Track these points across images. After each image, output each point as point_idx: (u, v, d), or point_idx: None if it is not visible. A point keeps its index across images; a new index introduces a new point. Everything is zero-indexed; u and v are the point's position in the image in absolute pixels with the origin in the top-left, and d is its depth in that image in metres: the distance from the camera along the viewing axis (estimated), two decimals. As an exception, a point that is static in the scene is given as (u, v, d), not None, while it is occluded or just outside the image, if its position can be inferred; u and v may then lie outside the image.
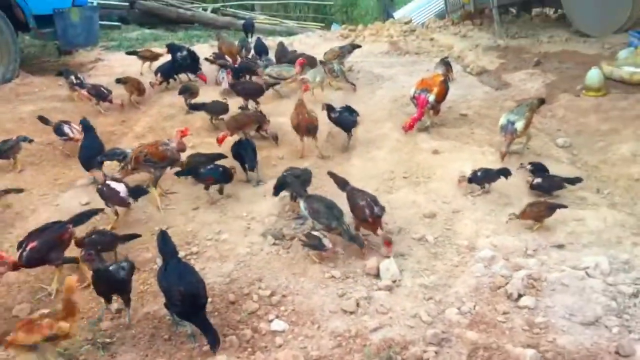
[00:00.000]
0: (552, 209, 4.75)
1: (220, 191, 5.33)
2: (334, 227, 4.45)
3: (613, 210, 5.03)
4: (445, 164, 5.84)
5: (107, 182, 4.87)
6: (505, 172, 5.34)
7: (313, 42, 10.80)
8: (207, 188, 5.26)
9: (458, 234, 4.74)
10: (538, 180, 5.31)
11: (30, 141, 6.01)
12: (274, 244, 4.63)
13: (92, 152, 5.49)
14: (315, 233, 4.40)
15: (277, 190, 5.09)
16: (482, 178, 5.32)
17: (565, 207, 4.82)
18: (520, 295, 3.89)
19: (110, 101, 7.25)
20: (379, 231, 4.43)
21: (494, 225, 4.85)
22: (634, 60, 8.41)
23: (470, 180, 5.33)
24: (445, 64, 7.03)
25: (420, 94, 6.39)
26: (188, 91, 7.19)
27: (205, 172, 5.22)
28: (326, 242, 4.33)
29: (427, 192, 5.41)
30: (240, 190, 5.46)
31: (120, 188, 4.79)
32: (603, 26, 10.42)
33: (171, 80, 8.17)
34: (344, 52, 8.63)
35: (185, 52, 8.12)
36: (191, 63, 8.12)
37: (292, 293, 4.04)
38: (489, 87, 8.38)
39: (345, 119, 6.22)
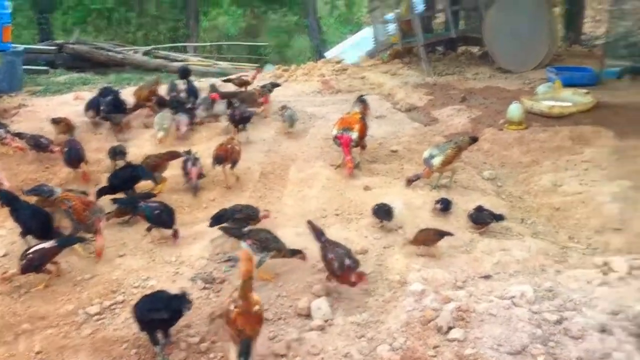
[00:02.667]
0: (440, 235, 4.91)
1: (148, 229, 5.20)
2: (282, 249, 4.54)
3: (537, 239, 5.20)
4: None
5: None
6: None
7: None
8: (148, 229, 5.24)
9: (389, 269, 4.76)
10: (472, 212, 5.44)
11: None
12: (204, 288, 4.52)
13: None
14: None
15: (215, 220, 5.05)
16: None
17: (451, 234, 4.96)
18: (450, 328, 3.91)
19: (51, 151, 6.83)
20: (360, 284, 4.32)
21: (424, 258, 4.91)
22: (552, 95, 8.88)
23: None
24: (362, 101, 7.15)
25: (343, 133, 6.46)
26: (118, 154, 6.71)
27: (143, 207, 5.14)
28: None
29: (358, 228, 5.44)
30: (169, 233, 5.32)
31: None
32: (523, 63, 10.98)
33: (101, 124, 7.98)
34: (264, 91, 8.72)
35: (110, 98, 7.95)
36: (115, 109, 7.92)
37: (222, 338, 3.93)
38: (418, 123, 8.61)
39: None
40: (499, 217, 5.31)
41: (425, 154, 6.12)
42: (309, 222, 4.73)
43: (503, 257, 4.86)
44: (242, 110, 7.67)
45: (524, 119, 7.89)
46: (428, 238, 4.94)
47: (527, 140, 7.43)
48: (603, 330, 3.80)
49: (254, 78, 9.52)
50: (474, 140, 6.47)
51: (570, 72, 9.92)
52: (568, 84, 9.16)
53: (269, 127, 8.10)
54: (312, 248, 4.88)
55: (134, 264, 4.86)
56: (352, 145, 6.49)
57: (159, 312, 3.70)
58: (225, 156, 6.18)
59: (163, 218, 5.18)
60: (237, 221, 5.10)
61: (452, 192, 6.15)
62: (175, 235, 5.16)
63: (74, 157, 6.31)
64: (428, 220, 5.52)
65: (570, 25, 14.41)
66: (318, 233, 4.62)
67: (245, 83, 9.43)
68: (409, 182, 6.01)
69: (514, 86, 10.12)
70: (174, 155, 6.35)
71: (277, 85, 9.27)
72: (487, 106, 9.04)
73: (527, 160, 6.95)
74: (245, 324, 3.44)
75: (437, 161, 5.98)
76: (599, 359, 3.59)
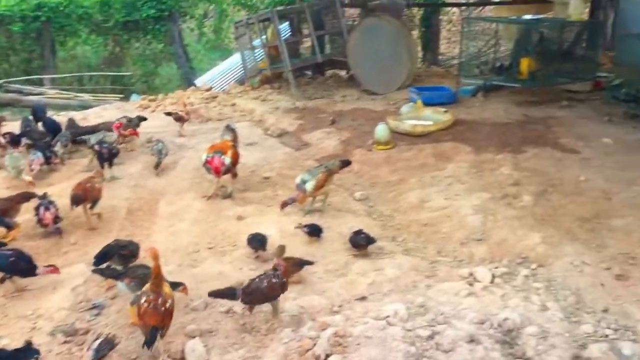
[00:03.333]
0: (300, 265, 4.90)
1: (2, 280, 4.73)
2: None
3: (408, 256, 5.36)
4: (250, 229, 5.78)
5: None
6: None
7: (110, 114, 10.33)
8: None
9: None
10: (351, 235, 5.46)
11: None
12: (65, 342, 4.15)
13: None
14: None
15: (99, 259, 4.76)
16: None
17: (311, 263, 4.98)
18: (327, 356, 3.87)
19: None
20: None
21: (300, 285, 4.87)
22: (414, 114, 9.30)
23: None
24: (231, 130, 7.06)
25: (214, 156, 6.30)
26: None
27: None
28: None
29: (232, 260, 5.30)
30: (24, 284, 4.85)
31: None
32: (386, 84, 11.43)
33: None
34: (131, 125, 8.37)
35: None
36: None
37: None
38: (290, 148, 8.64)
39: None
40: (372, 241, 5.38)
41: (298, 180, 6.14)
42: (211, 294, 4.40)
43: (377, 277, 4.95)
44: (109, 146, 7.23)
45: (390, 138, 8.18)
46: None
47: (395, 160, 7.70)
48: (471, 340, 3.94)
49: (187, 114, 9.05)
50: (345, 163, 6.58)
51: (430, 92, 10.46)
52: (428, 103, 9.65)
53: (136, 161, 7.74)
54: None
55: (-17, 322, 4.38)
56: (224, 170, 6.33)
57: None
58: (84, 195, 5.79)
59: (20, 266, 4.72)
60: (122, 258, 4.84)
61: (325, 215, 6.19)
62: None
63: None
64: (304, 247, 5.51)
65: (428, 47, 15.34)
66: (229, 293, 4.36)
67: (180, 119, 9.00)
68: (284, 205, 5.98)
69: (380, 107, 10.49)
70: (26, 196, 5.84)
71: (144, 119, 8.89)
72: (355, 128, 9.28)
73: (395, 178, 7.19)
74: (152, 319, 3.78)
75: (309, 186, 6.02)
76: (470, 369, 3.71)
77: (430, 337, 3.99)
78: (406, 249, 5.55)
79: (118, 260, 4.86)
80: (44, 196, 5.77)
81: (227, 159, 6.37)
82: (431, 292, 4.69)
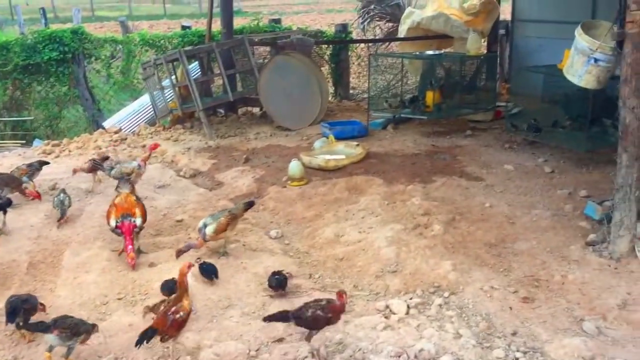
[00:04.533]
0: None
1: None
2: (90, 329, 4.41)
3: (325, 293, 5.32)
4: (162, 276, 5.58)
5: None
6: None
7: (11, 162, 9.79)
8: None
9: (179, 351, 4.49)
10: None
11: None
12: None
13: None
14: None
15: (10, 315, 4.53)
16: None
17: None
18: (245, 404, 3.77)
19: None
20: None
21: (216, 332, 4.73)
22: (327, 149, 9.43)
23: None
24: (127, 180, 6.82)
25: (123, 221, 6.02)
26: None
27: None
28: None
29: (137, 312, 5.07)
30: None
31: None
32: (299, 120, 11.55)
33: None
34: (32, 170, 7.97)
35: None
36: None
37: None
38: (203, 188, 8.49)
39: None
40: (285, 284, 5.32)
41: (200, 224, 6.02)
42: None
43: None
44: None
45: (304, 174, 8.21)
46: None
47: (309, 195, 7.73)
48: (389, 375, 3.96)
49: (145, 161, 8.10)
50: (249, 205, 6.50)
51: (342, 126, 10.66)
52: (340, 138, 9.82)
53: (37, 210, 7.33)
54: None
55: None
56: (137, 232, 6.09)
57: None
58: None
59: None
60: (25, 312, 4.58)
61: (241, 255, 6.10)
62: None
63: None
64: (219, 290, 5.39)
65: (339, 82, 15.67)
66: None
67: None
68: (179, 253, 5.75)
69: (293, 143, 10.56)
70: None
71: (46, 163, 8.48)
72: (269, 165, 9.27)
73: (311, 214, 7.20)
74: (158, 322, 4.26)
75: (209, 230, 5.89)
76: (388, 405, 3.71)
77: (348, 374, 3.98)
78: (323, 286, 5.54)
79: (22, 314, 4.58)
80: None
81: (138, 220, 6.12)
82: (349, 328, 4.68)
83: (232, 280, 5.59)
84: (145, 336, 4.19)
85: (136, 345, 4.18)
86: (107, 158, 8.69)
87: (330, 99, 14.21)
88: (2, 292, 5.38)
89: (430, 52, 11.66)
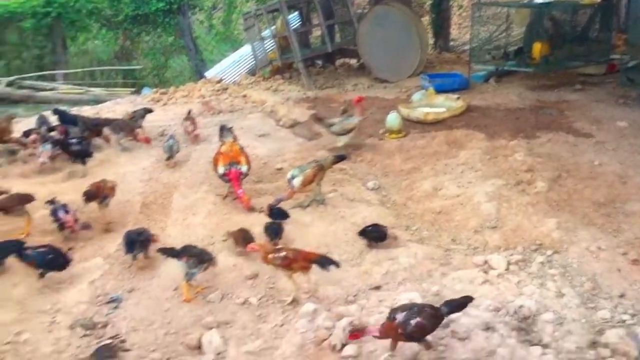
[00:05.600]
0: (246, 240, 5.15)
1: (42, 275, 4.83)
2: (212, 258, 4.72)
3: (422, 245, 5.34)
4: (262, 220, 5.80)
5: None
6: None
7: (123, 108, 10.39)
8: (41, 275, 4.84)
9: (281, 291, 4.69)
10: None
11: None
12: (85, 335, 4.21)
13: None
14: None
15: (128, 248, 4.98)
16: None
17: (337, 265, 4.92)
18: (343, 345, 3.90)
19: None
20: None
21: (315, 276, 4.86)
22: (426, 101, 9.26)
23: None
24: (228, 130, 7.01)
25: (230, 168, 6.26)
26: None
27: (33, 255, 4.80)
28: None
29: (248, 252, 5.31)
30: (44, 280, 4.91)
31: None
32: (397, 72, 11.39)
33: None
34: (136, 117, 8.41)
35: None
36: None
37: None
38: (302, 138, 8.63)
39: None
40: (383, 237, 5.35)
41: (288, 175, 6.12)
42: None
43: (391, 267, 4.95)
44: (83, 145, 7.29)
45: (402, 127, 8.15)
46: (242, 237, 5.22)
47: (407, 148, 7.67)
48: (487, 328, 3.96)
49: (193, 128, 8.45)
50: (339, 158, 6.52)
51: (442, 79, 10.41)
52: (440, 90, 9.60)
53: (148, 154, 7.77)
54: (200, 279, 4.74)
55: (4, 318, 4.42)
56: (242, 178, 6.33)
57: None
58: (97, 193, 5.83)
59: (58, 261, 4.87)
60: (142, 244, 5.04)
61: (339, 205, 6.19)
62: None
63: None
64: (317, 237, 5.52)
65: (439, 33, 15.20)
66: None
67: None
68: (270, 208, 5.87)
69: (391, 95, 10.45)
70: (24, 199, 5.84)
71: (150, 110, 8.91)
72: (367, 116, 9.24)
73: (408, 167, 7.16)
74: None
75: (297, 182, 5.99)
76: (485, 357, 3.72)
77: (446, 325, 4.00)
78: (420, 238, 5.54)
79: (139, 246, 5.03)
80: (52, 202, 5.76)
81: (244, 167, 6.35)
82: (446, 281, 4.69)
83: (330, 228, 5.69)
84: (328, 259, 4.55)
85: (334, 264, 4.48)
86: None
87: (429, 50, 13.84)
88: (120, 229, 5.80)
89: (538, 1, 11.03)
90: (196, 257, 4.60)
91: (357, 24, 11.87)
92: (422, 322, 3.59)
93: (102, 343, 3.95)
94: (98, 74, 14.52)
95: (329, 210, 6.09)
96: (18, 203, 5.73)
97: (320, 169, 6.20)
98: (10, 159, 7.61)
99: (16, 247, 4.94)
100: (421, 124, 8.39)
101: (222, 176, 6.31)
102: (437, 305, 3.82)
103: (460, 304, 3.83)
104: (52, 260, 4.84)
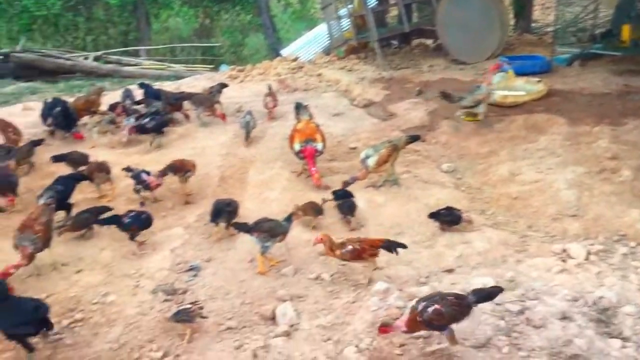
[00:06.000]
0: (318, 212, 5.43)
1: (132, 237, 5.15)
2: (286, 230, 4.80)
3: (497, 230, 5.26)
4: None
5: None
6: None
7: (202, 84, 10.68)
8: (132, 238, 5.13)
9: (353, 269, 4.74)
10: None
11: None
12: (166, 300, 4.42)
13: None
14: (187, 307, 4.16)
15: (214, 217, 5.20)
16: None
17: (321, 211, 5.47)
18: (415, 325, 3.92)
19: None
20: None
21: (387, 256, 4.89)
22: (505, 84, 8.98)
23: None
24: (304, 107, 7.06)
25: (306, 145, 6.34)
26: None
27: (130, 221, 5.12)
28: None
29: (321, 228, 5.40)
30: (128, 246, 5.18)
31: None
32: (476, 54, 11.10)
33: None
34: (213, 92, 8.61)
35: (59, 108, 7.71)
36: (65, 120, 7.71)
37: (187, 351, 3.87)
38: (376, 118, 8.61)
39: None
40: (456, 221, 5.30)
41: (362, 155, 6.12)
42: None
43: (465, 250, 4.91)
44: (157, 119, 7.54)
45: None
46: (311, 208, 5.39)
47: (484, 131, 7.51)
48: (564, 317, 3.87)
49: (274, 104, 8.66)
50: (413, 138, 6.45)
51: (522, 61, 10.06)
52: (520, 73, 9.29)
53: (225, 130, 7.98)
54: (275, 252, 4.86)
55: (92, 280, 4.73)
56: (317, 155, 6.40)
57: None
58: (181, 167, 6.07)
59: (150, 220, 5.25)
60: (229, 214, 5.25)
61: (413, 186, 6.17)
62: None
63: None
64: (390, 218, 5.54)
65: (521, 14, 14.65)
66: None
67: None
68: (345, 185, 5.89)
69: (468, 77, 10.22)
70: (102, 167, 6.18)
71: (226, 85, 9.10)
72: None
73: (485, 150, 7.03)
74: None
75: (371, 161, 5.97)
76: (561, 346, 3.64)
77: (521, 312, 3.95)
78: (495, 223, 5.45)
79: (225, 216, 5.23)
80: (129, 168, 6.06)
81: (319, 145, 6.41)
82: (521, 267, 4.61)
83: (403, 209, 5.70)
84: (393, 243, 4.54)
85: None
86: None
87: (510, 32, 13.39)
88: (199, 200, 6.03)
89: (632, -20, 10.42)
90: (267, 232, 4.71)
91: (435, 4, 11.64)
92: (439, 309, 3.53)
93: (182, 307, 4.14)
94: (178, 51, 14.96)
95: (402, 191, 6.08)
96: (96, 170, 6.07)
97: (395, 149, 6.18)
98: (106, 128, 7.97)
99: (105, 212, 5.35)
100: (499, 107, 8.17)
101: (298, 153, 6.40)
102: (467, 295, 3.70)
103: (489, 293, 3.72)
104: (147, 220, 5.21)
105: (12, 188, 5.77)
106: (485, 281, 4.29)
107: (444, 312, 3.52)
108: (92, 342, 3.93)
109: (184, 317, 4.01)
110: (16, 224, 4.88)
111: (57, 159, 6.53)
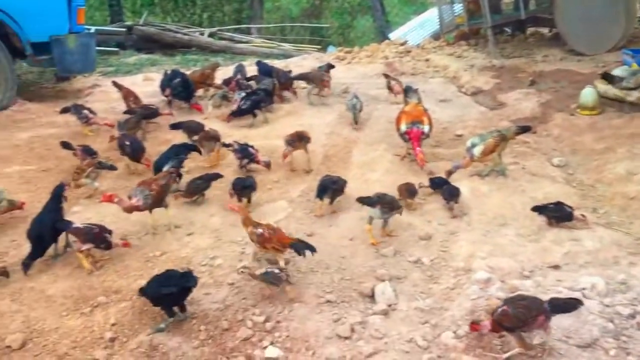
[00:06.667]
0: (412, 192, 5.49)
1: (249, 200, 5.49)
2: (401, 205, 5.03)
3: (609, 230, 5.01)
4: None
5: None
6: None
7: (309, 64, 10.86)
8: (240, 199, 5.45)
9: (454, 256, 4.71)
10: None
11: None
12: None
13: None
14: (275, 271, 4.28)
15: (320, 192, 5.35)
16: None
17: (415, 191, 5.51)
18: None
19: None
20: None
21: (490, 246, 4.82)
22: (628, 79, 8.45)
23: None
24: (414, 91, 6.95)
25: (412, 127, 6.29)
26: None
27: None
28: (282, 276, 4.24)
29: (422, 213, 5.40)
30: (235, 214, 5.40)
31: None
32: (597, 45, 10.51)
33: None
34: (321, 71, 8.73)
35: (178, 79, 8.13)
36: (184, 91, 8.12)
37: (287, 319, 4.01)
38: (485, 107, 8.41)
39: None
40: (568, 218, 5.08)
41: (468, 143, 5.96)
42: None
43: (573, 248, 4.72)
44: (252, 99, 7.70)
45: (597, 104, 7.58)
46: (406, 189, 5.44)
47: (601, 127, 7.14)
48: (680, 326, 3.65)
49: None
50: (523, 129, 6.20)
51: (648, 55, 9.41)
52: (645, 68, 8.71)
53: (331, 109, 8.10)
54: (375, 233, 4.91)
55: (202, 243, 4.99)
56: (423, 138, 6.36)
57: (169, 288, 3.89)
58: (297, 140, 6.26)
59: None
60: (334, 192, 5.40)
61: (520, 178, 5.99)
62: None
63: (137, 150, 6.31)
64: (494, 208, 5.42)
65: (649, 5, 13.66)
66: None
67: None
68: (449, 174, 5.81)
69: (587, 69, 9.72)
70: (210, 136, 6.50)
71: (333, 66, 9.18)
72: (557, 90, 8.73)
73: (600, 147, 6.68)
74: None
75: (477, 150, 5.81)
76: (676, 355, 3.45)
77: (632, 315, 3.78)
78: (608, 222, 5.18)
79: (330, 194, 5.37)
80: (228, 144, 6.36)
81: (426, 127, 6.35)
82: (635, 270, 4.37)
83: (508, 200, 5.56)
84: None
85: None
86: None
87: (636, 24, 12.53)
88: (303, 176, 6.19)
89: None
90: (389, 205, 4.87)
91: (555, -10, 11.10)
92: (506, 310, 3.45)
93: (270, 268, 4.28)
94: (288, 30, 15.24)
95: (508, 182, 5.92)
96: (205, 138, 6.42)
97: (503, 139, 5.99)
98: (219, 102, 8.32)
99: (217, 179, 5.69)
100: (619, 103, 7.72)
101: (403, 134, 6.38)
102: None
103: (567, 304, 3.56)
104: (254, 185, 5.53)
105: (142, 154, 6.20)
106: (594, 281, 4.12)
107: (510, 314, 3.46)
108: (200, 301, 4.16)
109: (271, 279, 4.17)
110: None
111: (174, 126, 6.92)
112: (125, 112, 7.46)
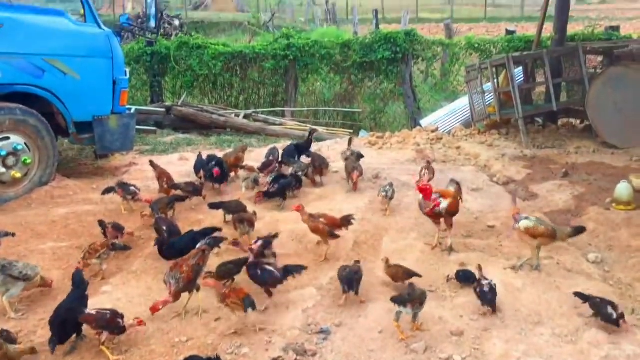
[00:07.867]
0: (408, 275, 5.56)
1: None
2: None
3: (648, 338, 4.80)
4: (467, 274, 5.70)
5: None
6: None
7: (341, 148, 11.00)
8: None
9: (487, 355, 4.55)
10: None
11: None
12: (296, 359, 4.50)
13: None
14: None
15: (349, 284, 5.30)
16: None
17: (419, 275, 5.57)
18: None
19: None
20: None
21: (524, 345, 4.66)
22: (664, 175, 8.37)
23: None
24: (456, 183, 6.99)
25: (434, 197, 6.32)
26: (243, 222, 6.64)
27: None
28: None
29: (454, 307, 5.26)
30: (265, 302, 5.33)
31: None
32: (630, 138, 10.49)
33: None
34: (353, 157, 8.84)
35: (213, 163, 8.32)
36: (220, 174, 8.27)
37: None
38: (517, 197, 8.32)
39: None
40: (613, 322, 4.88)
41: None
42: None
43: (612, 351, 4.53)
44: (281, 183, 7.84)
45: (633, 199, 7.48)
46: (398, 275, 5.56)
47: (637, 222, 7.01)
48: None
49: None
50: (578, 231, 6.07)
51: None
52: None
53: (362, 195, 8.12)
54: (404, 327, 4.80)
55: (229, 330, 4.91)
56: (437, 212, 6.29)
57: None
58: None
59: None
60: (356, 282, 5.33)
61: (554, 274, 5.86)
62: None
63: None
64: (529, 305, 5.28)
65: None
66: None
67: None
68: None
69: (620, 162, 9.67)
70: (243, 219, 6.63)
71: (362, 156, 9.21)
72: (591, 183, 8.66)
73: (638, 244, 6.53)
74: None
75: (524, 224, 5.86)
76: None
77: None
78: (649, 325, 4.99)
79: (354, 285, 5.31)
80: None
81: (445, 203, 6.31)
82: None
83: (543, 297, 5.41)
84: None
85: None
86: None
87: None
88: (333, 263, 6.14)
89: None
90: (419, 300, 4.79)
91: (587, 84, 11.25)
92: None
93: None
94: (321, 114, 15.59)
95: (542, 277, 5.79)
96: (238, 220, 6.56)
97: (552, 235, 5.88)
98: (252, 185, 8.42)
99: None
100: (655, 198, 7.61)
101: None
102: None
103: None
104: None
105: None
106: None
107: None
108: (224, 391, 4.06)
109: None
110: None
111: (213, 206, 7.05)
112: (170, 187, 7.66)
